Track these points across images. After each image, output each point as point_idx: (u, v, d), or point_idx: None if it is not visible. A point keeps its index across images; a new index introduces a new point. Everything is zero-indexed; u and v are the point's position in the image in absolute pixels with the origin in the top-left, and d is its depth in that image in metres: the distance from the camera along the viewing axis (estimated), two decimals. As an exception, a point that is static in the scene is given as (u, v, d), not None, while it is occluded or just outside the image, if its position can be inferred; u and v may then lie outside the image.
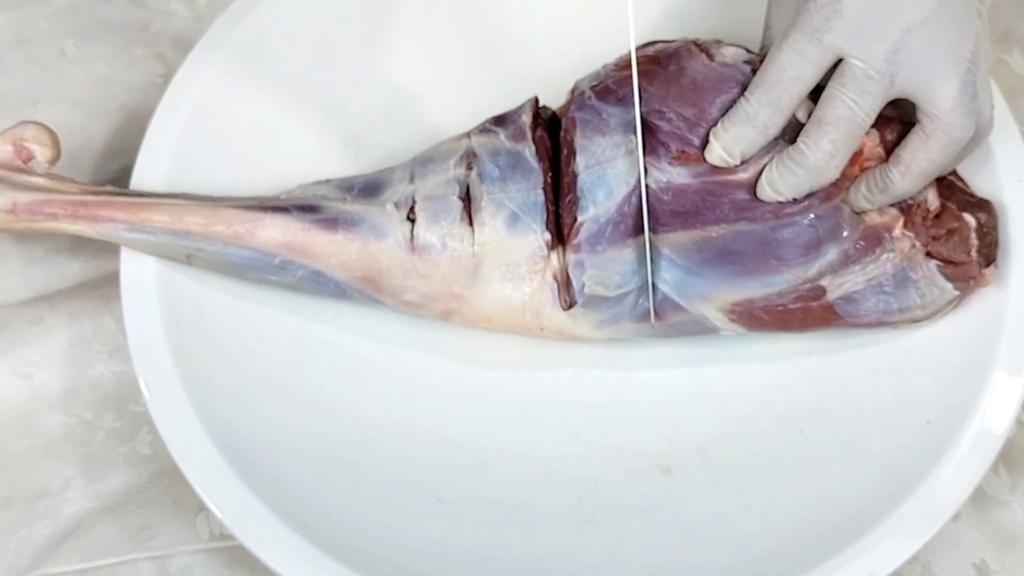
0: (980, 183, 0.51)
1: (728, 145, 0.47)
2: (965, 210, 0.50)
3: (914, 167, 0.47)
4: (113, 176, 0.59)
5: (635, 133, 0.48)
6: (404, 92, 0.59)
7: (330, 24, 0.58)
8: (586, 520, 0.49)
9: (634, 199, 0.48)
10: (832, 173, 0.47)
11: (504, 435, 0.51)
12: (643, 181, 0.48)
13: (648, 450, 0.51)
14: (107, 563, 0.50)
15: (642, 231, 0.48)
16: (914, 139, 0.47)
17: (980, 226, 0.49)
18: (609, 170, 0.49)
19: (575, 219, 0.49)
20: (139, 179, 0.53)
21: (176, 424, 0.47)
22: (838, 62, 0.46)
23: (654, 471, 0.50)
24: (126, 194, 0.51)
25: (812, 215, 0.48)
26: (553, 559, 0.47)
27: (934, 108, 0.46)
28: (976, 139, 0.48)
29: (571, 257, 0.49)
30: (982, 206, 0.50)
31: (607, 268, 0.49)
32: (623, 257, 0.49)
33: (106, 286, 0.55)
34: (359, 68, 0.58)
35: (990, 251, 0.50)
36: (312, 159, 0.56)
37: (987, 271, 0.49)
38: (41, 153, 0.51)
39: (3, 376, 0.53)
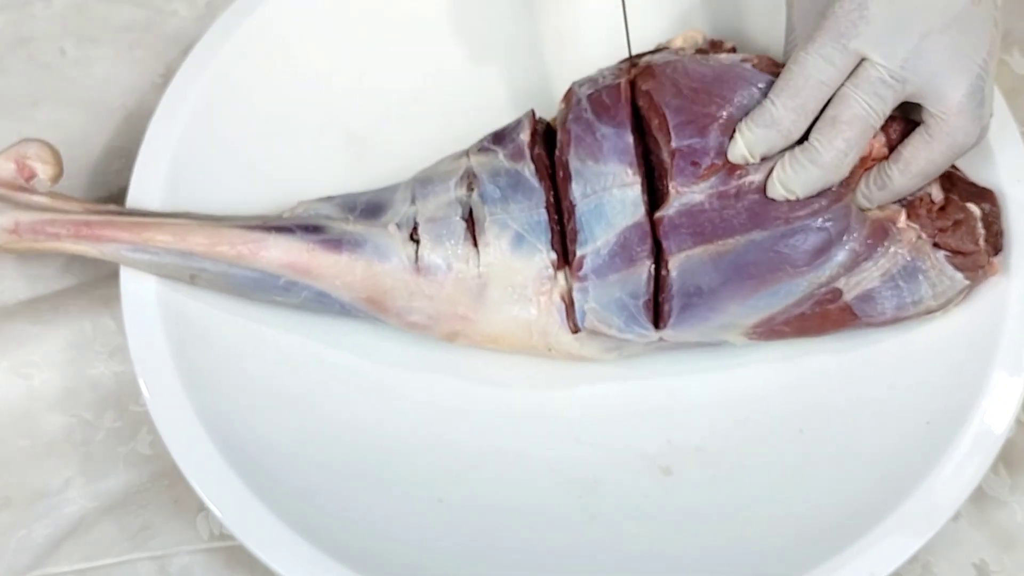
0: (980, 183, 0.51)
1: (751, 145, 0.47)
2: (968, 200, 0.50)
3: (913, 166, 0.47)
4: (112, 176, 0.59)
5: (631, 164, 0.49)
6: (405, 92, 0.59)
7: (331, 24, 0.58)
8: (586, 520, 0.49)
9: (635, 231, 0.48)
10: (843, 171, 0.47)
11: (504, 436, 0.51)
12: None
13: (648, 450, 0.51)
14: (107, 563, 0.50)
15: (645, 259, 0.48)
16: (916, 139, 0.47)
17: (985, 215, 0.49)
18: (606, 199, 0.49)
19: (576, 251, 0.49)
20: (138, 180, 0.52)
21: (176, 424, 0.47)
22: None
23: (654, 471, 0.50)
24: (129, 213, 0.51)
25: (825, 217, 0.47)
26: (553, 559, 0.47)
27: (941, 111, 0.46)
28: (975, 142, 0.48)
29: (575, 284, 0.49)
30: (985, 195, 0.50)
31: (608, 308, 0.49)
32: (624, 295, 0.49)
33: (106, 286, 0.55)
34: (360, 69, 0.58)
35: (996, 240, 0.50)
36: (312, 161, 0.56)
37: (995, 260, 0.49)
38: (43, 171, 0.51)
39: (3, 376, 0.53)
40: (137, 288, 0.50)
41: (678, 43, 0.53)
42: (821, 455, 0.49)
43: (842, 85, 0.46)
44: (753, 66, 0.49)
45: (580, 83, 0.52)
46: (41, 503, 0.51)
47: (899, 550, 0.45)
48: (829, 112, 0.46)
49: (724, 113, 0.48)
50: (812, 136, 0.46)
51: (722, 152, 0.48)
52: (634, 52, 0.53)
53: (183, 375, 0.48)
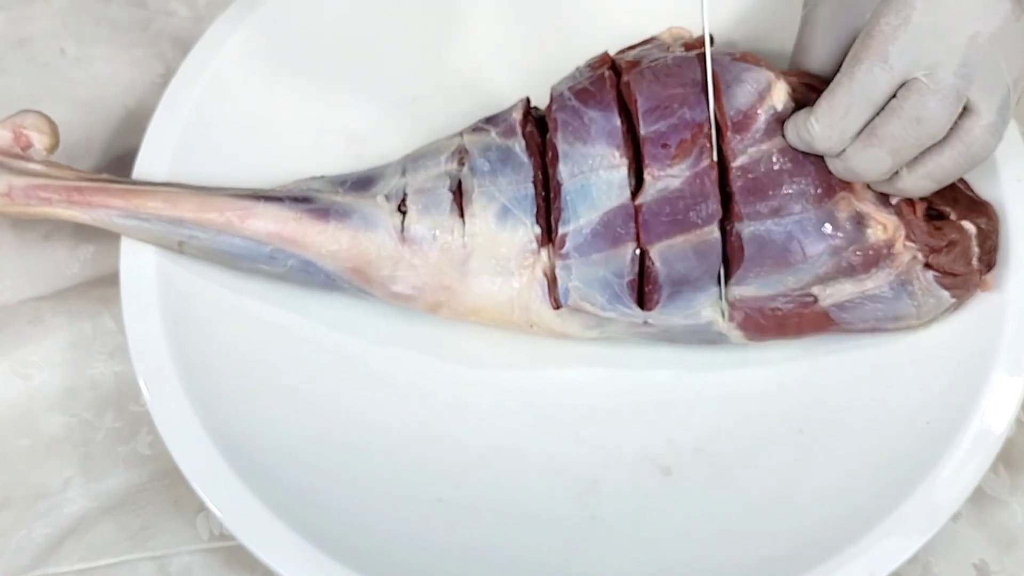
0: (980, 183, 0.51)
1: (792, 140, 0.48)
2: (965, 217, 0.49)
3: (920, 168, 0.46)
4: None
5: (619, 146, 0.49)
6: (405, 92, 0.59)
7: (330, 24, 0.58)
8: (586, 520, 0.49)
9: (619, 213, 0.48)
10: (879, 177, 0.47)
11: (504, 435, 0.51)
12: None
13: (648, 450, 0.51)
14: (107, 563, 0.50)
15: (629, 241, 0.48)
16: (935, 145, 0.46)
17: (980, 232, 0.49)
18: (592, 179, 0.49)
19: (559, 229, 0.49)
20: (139, 178, 0.52)
21: (176, 424, 0.47)
22: None
23: (654, 471, 0.50)
24: (121, 181, 0.51)
25: (806, 216, 0.48)
26: (553, 559, 0.47)
27: (968, 123, 0.45)
28: None
29: (558, 262, 0.49)
30: (982, 210, 0.50)
31: (591, 286, 0.49)
32: (608, 273, 0.49)
33: (106, 286, 0.55)
34: (359, 68, 0.58)
35: (990, 257, 0.50)
36: (312, 160, 0.56)
37: (987, 276, 0.49)
38: (39, 141, 0.51)
39: (3, 376, 0.53)
40: (137, 288, 0.50)
41: (665, 37, 0.53)
42: (821, 455, 0.49)
43: (892, 101, 0.45)
44: (734, 59, 0.49)
45: (559, 83, 0.52)
46: (41, 503, 0.51)
47: (899, 550, 0.45)
48: (872, 121, 0.46)
49: (688, 90, 0.48)
50: (848, 147, 0.46)
51: (691, 125, 0.48)
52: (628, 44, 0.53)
53: (183, 375, 0.48)
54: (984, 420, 0.47)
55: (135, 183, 0.51)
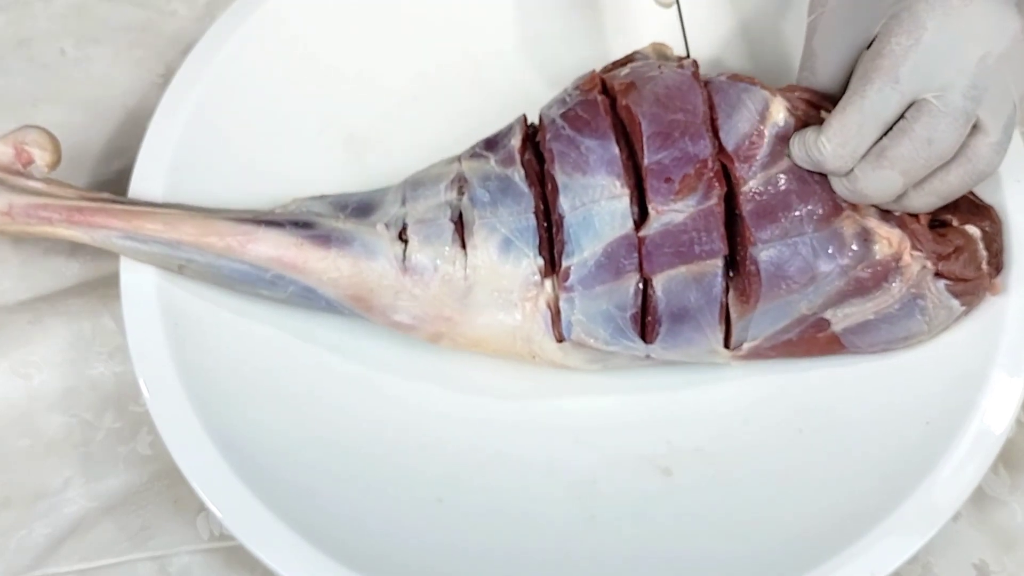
0: (980, 186, 0.51)
1: (799, 158, 0.47)
2: (968, 221, 0.49)
3: (926, 185, 0.47)
4: (113, 176, 0.59)
5: (619, 176, 0.48)
6: (405, 94, 0.59)
7: (331, 24, 0.58)
8: (586, 520, 0.49)
9: (622, 243, 0.48)
10: (888, 198, 0.47)
11: (504, 436, 0.51)
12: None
13: (648, 451, 0.51)
14: (107, 563, 0.50)
15: (632, 272, 0.48)
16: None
17: (985, 235, 0.49)
18: (594, 211, 0.48)
19: (563, 262, 0.49)
20: (139, 180, 0.53)
21: (176, 424, 0.47)
22: None
23: (654, 472, 0.50)
24: (122, 202, 0.51)
25: (817, 235, 0.48)
26: (553, 559, 0.47)
27: (976, 141, 0.45)
28: None
29: (562, 295, 0.49)
30: (984, 213, 0.50)
31: (595, 320, 0.49)
32: (611, 307, 0.48)
33: (105, 286, 0.55)
34: (359, 70, 0.58)
35: (997, 259, 0.49)
36: (311, 160, 0.56)
37: (996, 280, 0.49)
38: (41, 157, 0.51)
39: (3, 376, 0.53)
40: (137, 288, 0.50)
41: (648, 53, 0.53)
42: (821, 456, 0.49)
43: (901, 121, 0.45)
44: (729, 79, 0.49)
45: (548, 106, 0.52)
46: (41, 503, 0.51)
47: (899, 550, 0.45)
48: (881, 142, 0.46)
49: (691, 118, 0.48)
50: (856, 167, 0.46)
51: (694, 160, 0.47)
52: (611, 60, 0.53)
53: (183, 375, 0.48)
54: (984, 420, 0.47)
55: (137, 203, 0.51)
